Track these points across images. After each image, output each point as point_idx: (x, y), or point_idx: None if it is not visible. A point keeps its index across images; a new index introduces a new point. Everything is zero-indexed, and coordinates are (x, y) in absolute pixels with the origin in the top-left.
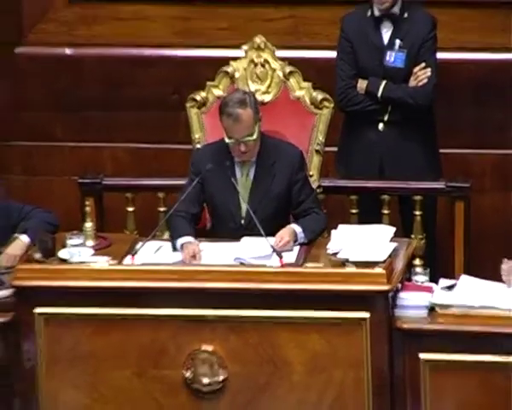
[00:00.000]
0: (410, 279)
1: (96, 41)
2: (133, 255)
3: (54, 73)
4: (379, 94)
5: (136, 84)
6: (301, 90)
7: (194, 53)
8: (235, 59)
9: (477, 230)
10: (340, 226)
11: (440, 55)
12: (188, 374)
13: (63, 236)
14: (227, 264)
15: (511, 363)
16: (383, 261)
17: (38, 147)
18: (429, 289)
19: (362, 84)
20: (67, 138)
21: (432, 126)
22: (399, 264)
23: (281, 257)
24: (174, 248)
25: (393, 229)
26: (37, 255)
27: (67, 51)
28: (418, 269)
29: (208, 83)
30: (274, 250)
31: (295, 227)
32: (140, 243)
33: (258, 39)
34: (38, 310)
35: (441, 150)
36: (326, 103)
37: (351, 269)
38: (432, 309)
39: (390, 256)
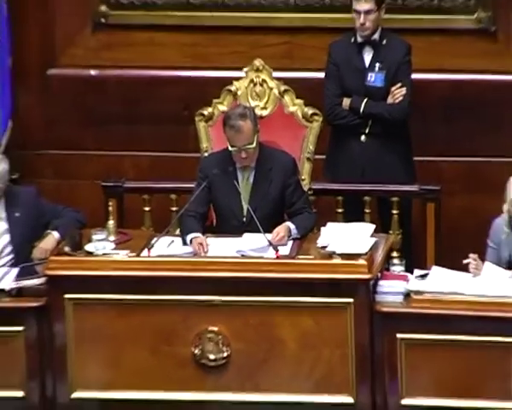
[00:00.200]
0: (388, 269)
1: (117, 64)
2: (149, 249)
3: (81, 92)
4: (361, 110)
5: (152, 102)
6: (294, 106)
7: (202, 74)
8: (237, 79)
9: (447, 227)
10: (328, 224)
11: (416, 76)
12: (196, 351)
13: (89, 232)
14: (230, 256)
15: (475, 341)
16: (365, 254)
17: (68, 155)
18: (405, 278)
19: (346, 102)
20: (93, 148)
21: (407, 138)
22: (379, 256)
23: (277, 250)
24: (184, 243)
25: (373, 226)
26: (67, 249)
27: (93, 73)
28: (395, 260)
29: (214, 100)
30: (271, 244)
31: (289, 224)
32: (155, 238)
33: (258, 62)
34: (68, 296)
35: (415, 158)
36: (316, 118)
37: (337, 260)
38: (407, 295)
39: (371, 249)
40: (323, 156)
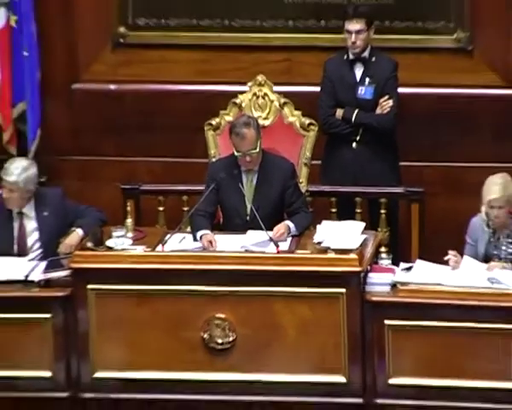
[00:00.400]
0: (376, 263)
1: (134, 79)
2: (163, 244)
3: (102, 104)
4: (352, 120)
5: (165, 113)
6: (293, 116)
7: (210, 88)
8: (242, 93)
9: (430, 226)
10: (323, 222)
11: (402, 90)
12: (205, 336)
13: (109, 229)
14: (235, 251)
15: (454, 327)
16: (356, 249)
17: (90, 160)
18: (392, 271)
19: (339, 113)
20: (113, 154)
21: (394, 144)
22: (368, 251)
23: (277, 245)
24: (194, 239)
25: (364, 224)
26: (90, 244)
27: (112, 87)
28: (383, 255)
29: (221, 111)
30: (272, 240)
31: (289, 223)
32: (168, 235)
33: (260, 78)
34: (90, 286)
35: (402, 163)
36: (312, 127)
37: (331, 255)
38: (394, 286)
39: (361, 245)
40: (319, 162)
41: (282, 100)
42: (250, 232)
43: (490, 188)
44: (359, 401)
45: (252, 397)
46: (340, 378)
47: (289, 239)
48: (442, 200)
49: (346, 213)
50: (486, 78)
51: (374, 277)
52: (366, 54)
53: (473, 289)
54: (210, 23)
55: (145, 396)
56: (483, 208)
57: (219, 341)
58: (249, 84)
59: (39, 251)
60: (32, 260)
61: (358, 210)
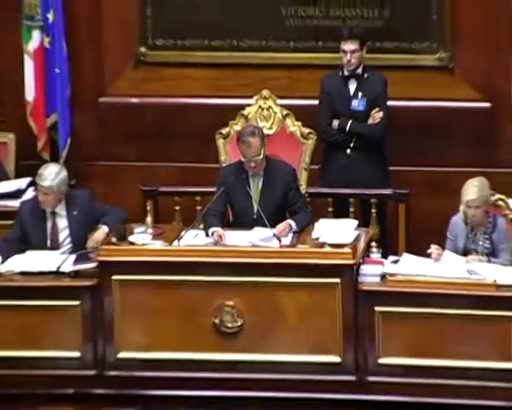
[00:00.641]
0: (368, 256)
1: (153, 93)
2: (179, 240)
3: (125, 116)
4: (347, 129)
5: (181, 123)
6: (294, 126)
7: (221, 102)
8: (249, 105)
9: (415, 223)
10: (321, 220)
11: (391, 103)
12: (216, 321)
13: (131, 226)
14: (243, 245)
15: (436, 313)
16: (350, 244)
17: (114, 165)
18: (381, 263)
19: (335, 123)
20: (134, 160)
21: (383, 151)
22: (361, 245)
23: (280, 241)
24: (207, 235)
25: (356, 222)
26: (114, 239)
27: (134, 100)
28: (374, 249)
29: (230, 122)
30: (275, 236)
31: (290, 221)
32: (183, 232)
33: (265, 92)
34: (115, 277)
35: (390, 168)
36: (311, 136)
37: (327, 249)
38: (383, 277)
39: (354, 240)
40: (317, 166)
41: (285, 112)
42: (256, 229)
43: (468, 190)
44: (352, 378)
45: (257, 375)
46: (336, 358)
47: (291, 235)
48: (426, 200)
49: (341, 213)
50: (465, 93)
51: (365, 268)
52: (359, 71)
53: (453, 279)
54: (221, 43)
55: (163, 374)
56: (462, 208)
57: (229, 325)
58: (255, 97)
59: (69, 246)
60: (63, 253)
61: (352, 209)
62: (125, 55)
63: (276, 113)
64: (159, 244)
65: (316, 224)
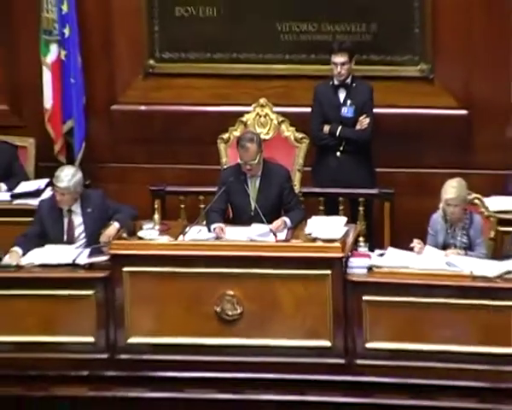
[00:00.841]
0: (356, 250)
1: (161, 102)
2: (184, 235)
3: (135, 122)
4: (337, 134)
5: (186, 129)
6: (289, 132)
7: (222, 109)
8: (247, 112)
9: (399, 220)
10: (313, 217)
11: (377, 110)
12: (217, 309)
13: (140, 223)
14: (242, 240)
15: (419, 302)
16: (339, 239)
17: (124, 167)
18: (368, 256)
19: (326, 128)
20: (143, 162)
21: (370, 154)
22: (349, 240)
23: (276, 236)
24: (209, 231)
25: (345, 219)
26: (125, 235)
27: (143, 108)
28: (361, 244)
29: (230, 128)
30: (272, 232)
31: (285, 218)
32: (188, 227)
33: (262, 100)
34: (125, 269)
35: (376, 169)
36: (304, 140)
37: (319, 243)
38: (370, 268)
39: (343, 235)
40: (310, 168)
41: (280, 118)
42: (254, 225)
43: (447, 189)
44: (342, 361)
45: (255, 358)
46: (327, 343)
47: (286, 231)
48: (409, 199)
49: (331, 210)
50: (444, 101)
51: (354, 261)
52: (348, 81)
53: (434, 271)
54: (222, 56)
55: (169, 357)
56: (441, 206)
57: (229, 313)
58: (253, 105)
59: (84, 240)
60: (79, 247)
61: (341, 207)
62: (135, 67)
63: (272, 119)
64: (165, 239)
65: (308, 220)
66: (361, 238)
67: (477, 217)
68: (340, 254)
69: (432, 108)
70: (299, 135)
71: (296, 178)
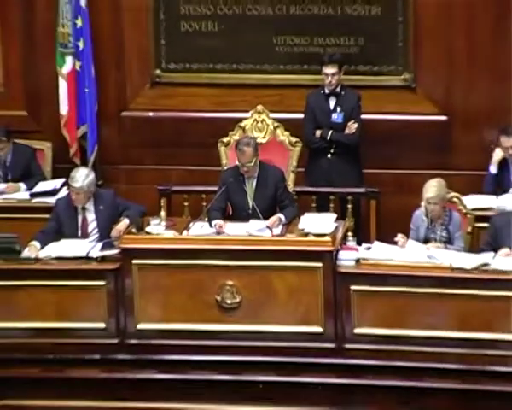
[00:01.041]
0: (345, 244)
1: (167, 108)
2: (188, 230)
3: (143, 127)
4: (328, 138)
5: (190, 133)
6: (283, 136)
7: (223, 115)
8: (245, 118)
9: (384, 217)
10: (306, 214)
11: (364, 116)
12: (218, 298)
13: (148, 219)
14: (241, 235)
15: (403, 291)
16: (330, 233)
17: (134, 169)
18: (356, 249)
19: (318, 133)
20: (151, 163)
21: (358, 156)
22: (339, 235)
23: (272, 231)
24: (210, 226)
25: (335, 215)
26: (134, 230)
27: (151, 114)
28: (350, 238)
29: (230, 132)
30: (268, 227)
31: (280, 215)
32: (192, 223)
33: (259, 107)
34: (134, 261)
35: (364, 170)
36: (297, 144)
37: (311, 238)
38: (357, 261)
39: (334, 231)
40: (303, 169)
41: (276, 124)
42: (252, 222)
43: (428, 189)
44: (332, 345)
45: (252, 343)
46: (318, 329)
47: (280, 227)
48: (393, 197)
49: (322, 208)
50: (426, 108)
51: (343, 254)
52: (338, 89)
53: (416, 263)
54: (222, 67)
55: (175, 342)
56: (423, 204)
57: (229, 301)
58: (251, 112)
59: (97, 235)
60: (92, 241)
61: (332, 205)
62: (144, 77)
63: (268, 125)
64: (171, 234)
65: (301, 217)
66: (349, 233)
67: (456, 214)
68: (331, 248)
69: (414, 115)
70: (293, 139)
71: (290, 179)
